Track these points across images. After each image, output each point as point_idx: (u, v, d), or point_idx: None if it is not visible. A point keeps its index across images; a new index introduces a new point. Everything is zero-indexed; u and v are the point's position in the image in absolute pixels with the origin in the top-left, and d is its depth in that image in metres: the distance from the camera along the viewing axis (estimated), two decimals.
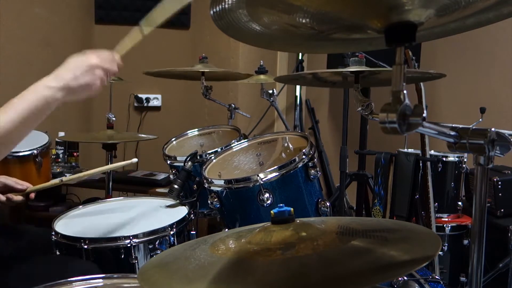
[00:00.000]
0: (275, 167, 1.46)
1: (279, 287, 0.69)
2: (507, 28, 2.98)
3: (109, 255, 1.40)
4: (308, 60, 3.69)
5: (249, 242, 0.83)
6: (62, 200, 3.06)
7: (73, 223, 1.57)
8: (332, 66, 2.95)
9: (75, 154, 3.04)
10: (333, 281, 0.66)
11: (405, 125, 0.64)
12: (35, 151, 2.17)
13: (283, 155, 1.75)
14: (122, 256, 1.38)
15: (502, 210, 2.38)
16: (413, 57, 2.20)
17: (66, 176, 2.07)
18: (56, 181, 1.58)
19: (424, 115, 0.65)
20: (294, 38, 0.80)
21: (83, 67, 1.17)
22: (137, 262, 1.39)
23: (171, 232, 1.47)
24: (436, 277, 1.38)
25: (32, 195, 1.53)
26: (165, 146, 2.16)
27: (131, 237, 1.38)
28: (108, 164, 2.35)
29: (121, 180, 2.82)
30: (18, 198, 1.47)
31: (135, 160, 1.61)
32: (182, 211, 1.64)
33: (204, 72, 2.33)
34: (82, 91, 1.17)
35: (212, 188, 1.54)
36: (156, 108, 3.62)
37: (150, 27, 1.34)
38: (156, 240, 1.44)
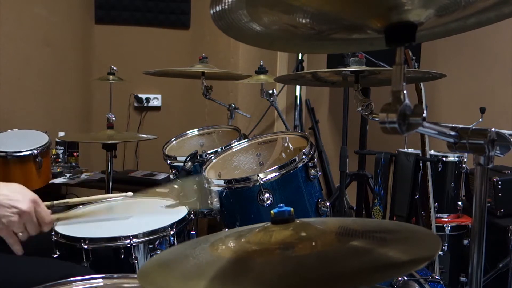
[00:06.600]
0: (275, 167, 1.46)
1: (275, 286, 0.69)
2: (508, 28, 2.98)
3: (109, 255, 1.40)
4: (308, 60, 3.69)
5: (248, 242, 0.83)
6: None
7: (73, 223, 1.57)
8: (332, 66, 2.95)
9: (75, 154, 3.04)
10: (331, 280, 0.66)
11: (405, 125, 0.64)
12: (35, 151, 2.17)
13: (283, 155, 1.75)
14: (122, 256, 1.38)
15: (502, 210, 2.38)
16: (413, 57, 2.19)
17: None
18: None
19: (424, 115, 0.65)
20: (294, 38, 0.80)
21: (8, 201, 1.10)
22: (137, 262, 1.39)
23: (171, 232, 1.46)
24: (436, 277, 1.38)
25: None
26: (165, 146, 2.16)
27: (131, 237, 1.38)
28: (107, 168, 2.36)
29: (121, 180, 2.82)
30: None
31: (130, 194, 1.65)
32: (182, 211, 1.64)
33: (204, 72, 2.33)
34: None
35: (212, 188, 1.54)
36: (156, 108, 3.63)
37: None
38: (156, 240, 1.44)
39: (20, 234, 1.18)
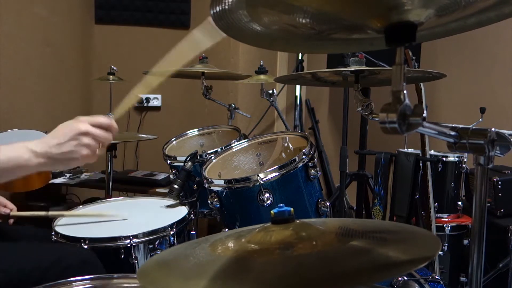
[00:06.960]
0: (275, 167, 1.46)
1: (276, 286, 0.69)
2: (508, 28, 2.98)
3: (109, 255, 1.40)
4: (308, 60, 3.69)
5: (248, 242, 0.83)
6: (62, 200, 3.06)
7: (73, 223, 1.57)
8: (332, 66, 2.95)
9: None
10: (331, 280, 0.66)
11: (405, 125, 0.64)
12: None
13: (283, 155, 1.75)
14: (122, 256, 1.38)
15: (502, 210, 2.38)
16: (413, 57, 2.19)
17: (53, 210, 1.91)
18: (41, 213, 1.59)
19: (424, 115, 0.65)
20: (294, 38, 0.80)
21: (70, 133, 1.07)
22: (137, 262, 1.39)
23: (171, 232, 1.47)
24: (436, 277, 1.38)
25: (11, 221, 1.55)
26: (165, 146, 2.16)
27: (131, 237, 1.38)
28: (107, 168, 2.36)
29: (121, 180, 2.82)
30: None
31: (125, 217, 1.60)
32: (182, 211, 1.64)
33: (204, 72, 2.33)
34: (65, 160, 1.07)
35: (212, 188, 1.54)
36: (156, 108, 3.62)
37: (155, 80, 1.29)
38: (156, 240, 1.44)
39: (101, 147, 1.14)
